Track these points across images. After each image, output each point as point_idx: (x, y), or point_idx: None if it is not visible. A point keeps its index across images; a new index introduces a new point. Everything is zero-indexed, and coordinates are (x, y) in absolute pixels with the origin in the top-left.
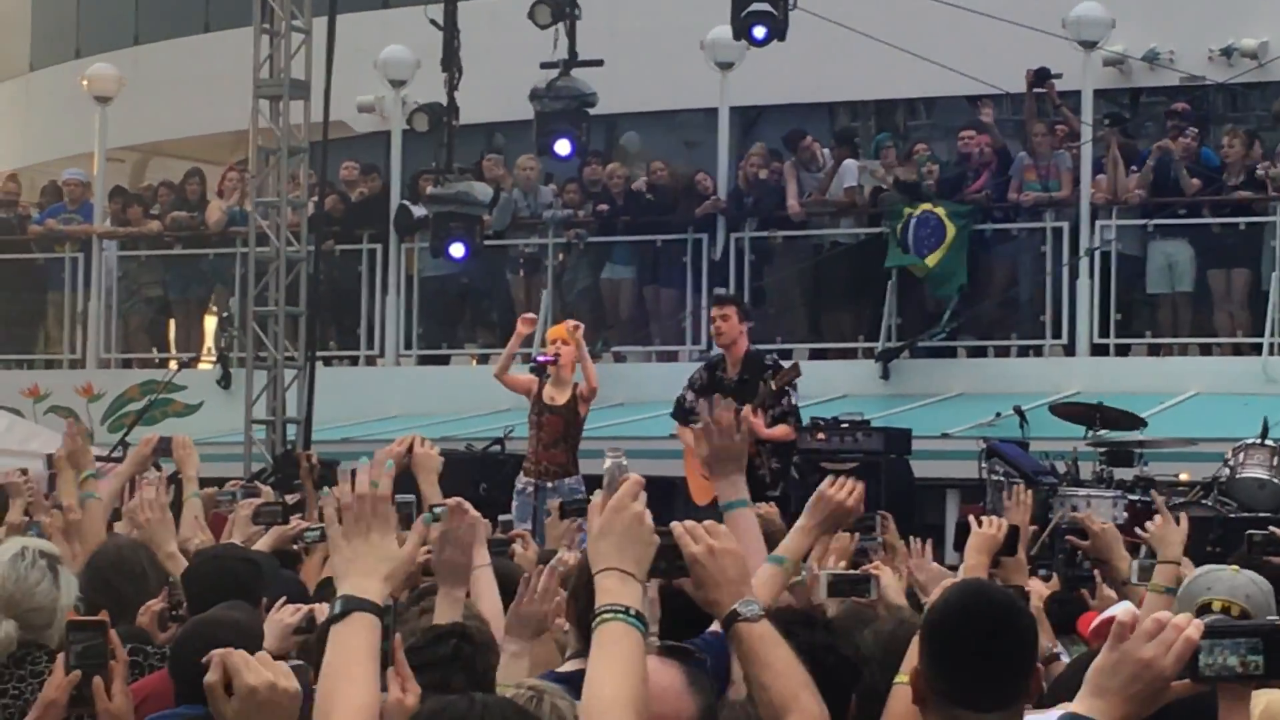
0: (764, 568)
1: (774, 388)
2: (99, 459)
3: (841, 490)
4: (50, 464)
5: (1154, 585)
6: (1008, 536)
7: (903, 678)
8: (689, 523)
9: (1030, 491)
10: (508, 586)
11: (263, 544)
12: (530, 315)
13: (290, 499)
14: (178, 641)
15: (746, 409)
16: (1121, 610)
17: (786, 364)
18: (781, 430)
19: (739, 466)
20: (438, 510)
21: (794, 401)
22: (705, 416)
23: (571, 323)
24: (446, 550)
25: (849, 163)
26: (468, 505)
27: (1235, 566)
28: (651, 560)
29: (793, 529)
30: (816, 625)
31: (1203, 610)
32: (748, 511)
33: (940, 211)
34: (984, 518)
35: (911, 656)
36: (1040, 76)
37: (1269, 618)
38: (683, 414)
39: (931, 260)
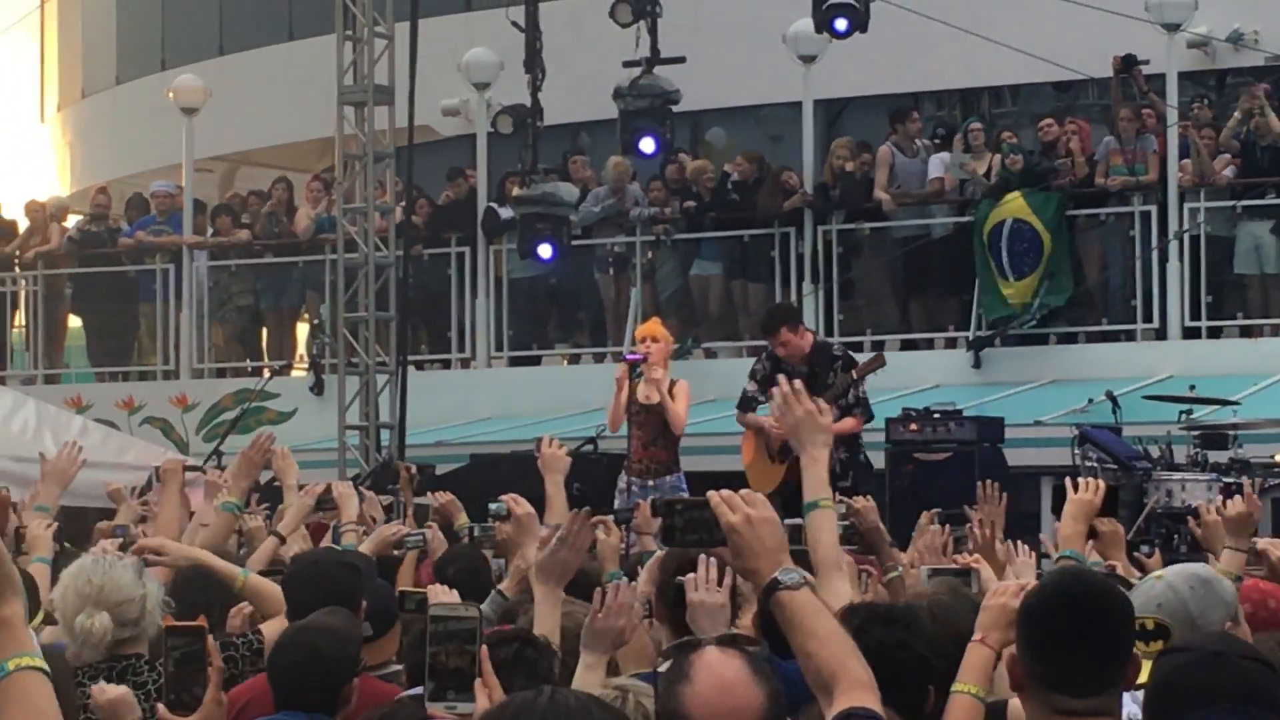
0: (813, 517)
1: (855, 376)
2: (192, 469)
3: (795, 408)
4: (157, 475)
5: (1222, 569)
6: (1106, 498)
7: (961, 686)
8: (725, 492)
9: (997, 485)
10: (587, 585)
11: (365, 548)
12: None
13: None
14: (276, 648)
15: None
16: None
17: (862, 357)
18: (849, 423)
19: (826, 441)
20: (494, 508)
21: (862, 392)
22: (782, 389)
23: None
24: (563, 551)
25: (937, 155)
26: (523, 501)
27: (1160, 572)
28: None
29: (803, 468)
30: (890, 622)
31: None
32: (829, 514)
33: (1033, 220)
34: (1080, 480)
35: (968, 666)
36: (1127, 63)
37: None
38: (746, 404)
39: (1025, 287)
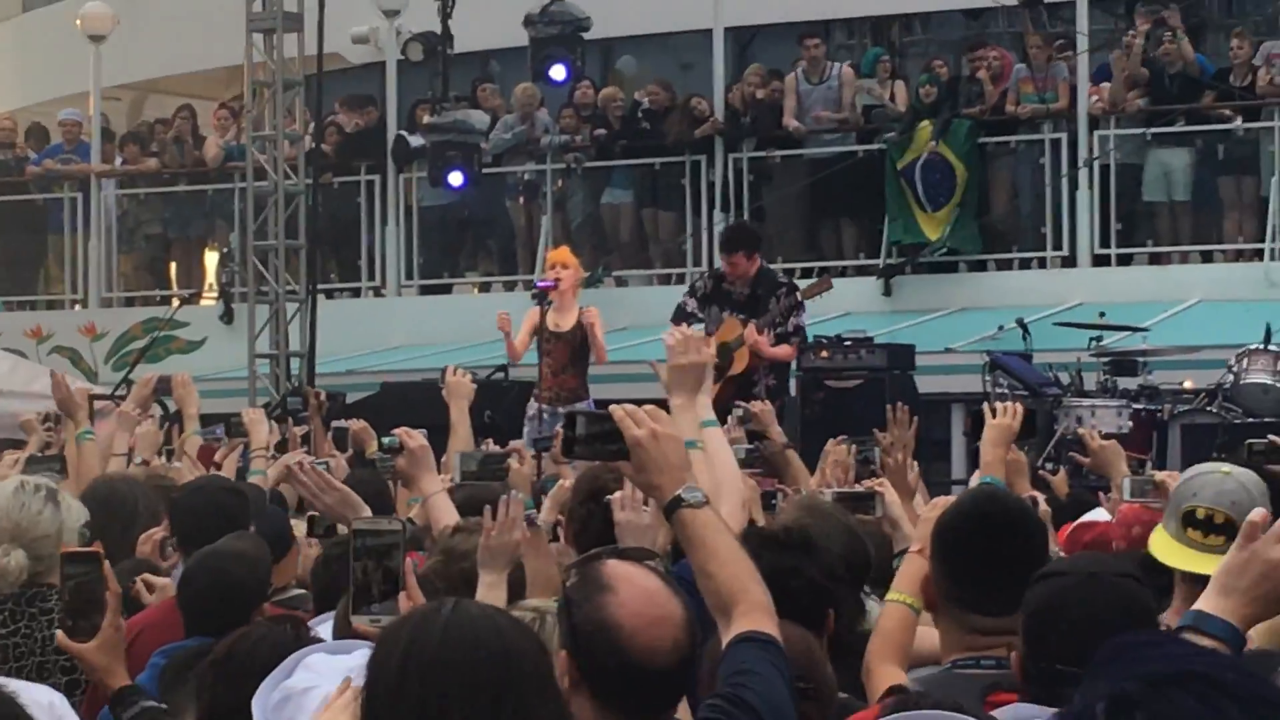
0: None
1: (800, 298)
2: (102, 398)
3: (675, 350)
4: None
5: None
6: (1024, 422)
7: (895, 595)
8: (629, 406)
9: (906, 408)
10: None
11: (270, 475)
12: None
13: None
14: (186, 574)
15: (752, 326)
16: (1255, 511)
17: (805, 283)
18: (784, 350)
19: (698, 386)
20: (387, 441)
21: (800, 321)
22: (674, 334)
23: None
24: (499, 537)
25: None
26: (416, 434)
27: (1226, 468)
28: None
29: (674, 412)
30: (785, 547)
31: (1188, 518)
32: (716, 430)
33: (946, 152)
34: (999, 405)
35: (903, 574)
36: None
37: None
38: (683, 318)
39: (942, 218)
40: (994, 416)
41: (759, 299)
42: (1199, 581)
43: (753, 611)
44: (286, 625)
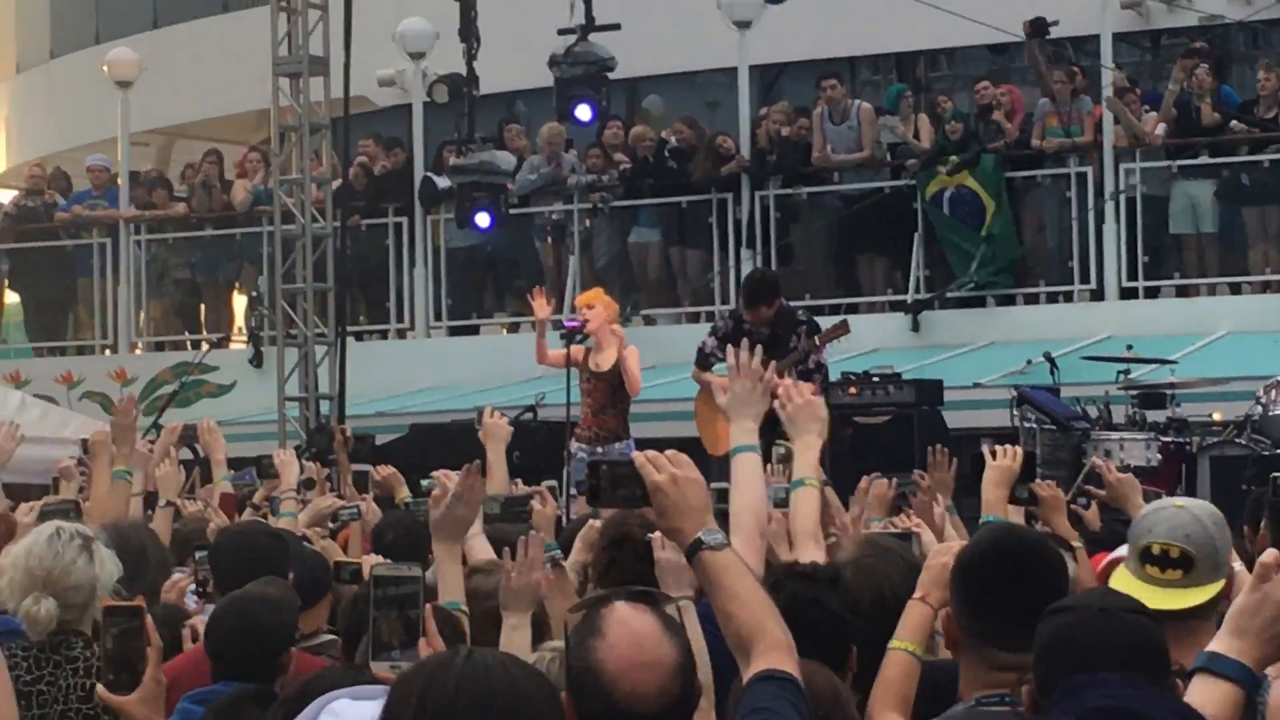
0: (799, 493)
1: (819, 343)
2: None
3: (796, 397)
4: (84, 448)
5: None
6: (1024, 464)
7: (898, 643)
8: (650, 452)
9: (946, 450)
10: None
11: (301, 520)
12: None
13: (326, 472)
14: (214, 619)
15: (773, 366)
16: (1268, 553)
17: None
18: (807, 389)
19: (756, 415)
20: (425, 484)
21: (823, 359)
22: (734, 358)
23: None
24: (459, 507)
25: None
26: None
27: (1180, 502)
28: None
29: (796, 452)
30: (805, 579)
31: (1145, 554)
32: (754, 457)
33: (972, 184)
34: (998, 448)
35: (907, 623)
36: (1037, 28)
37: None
38: (703, 360)
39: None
40: (994, 458)
41: (779, 339)
42: (1174, 617)
43: (772, 651)
44: (352, 669)
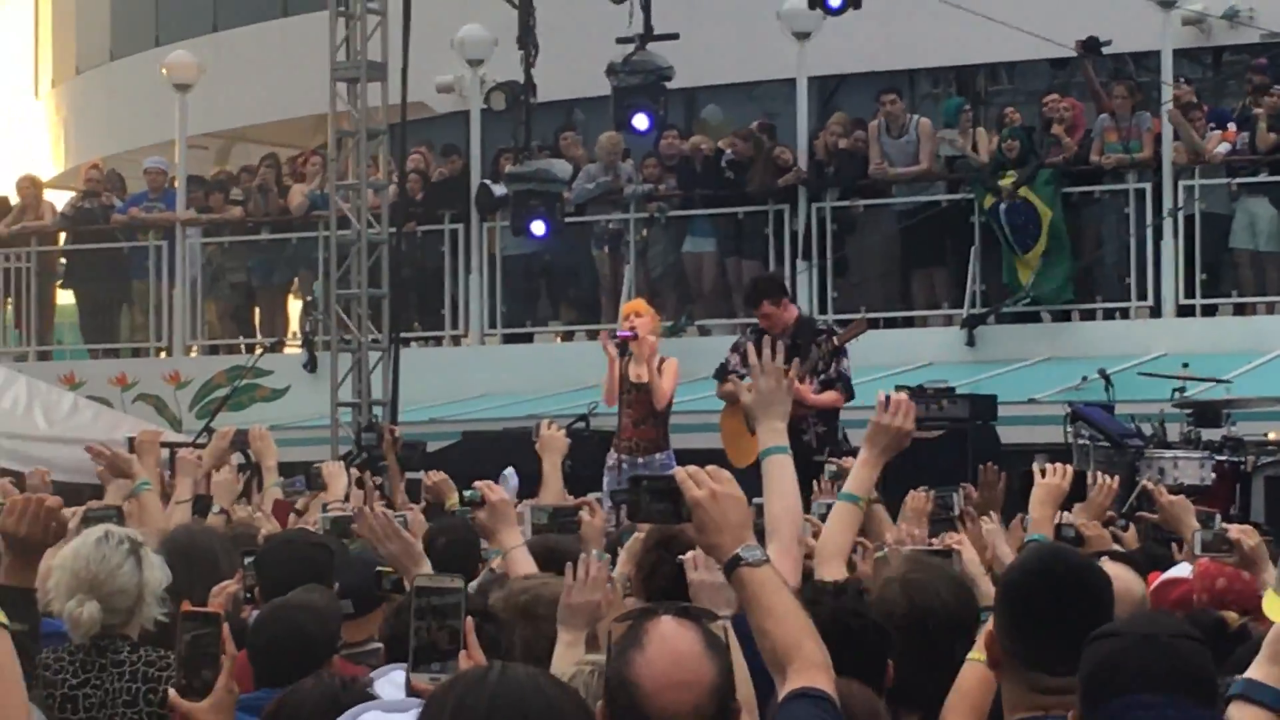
0: (839, 506)
1: (838, 343)
2: (181, 444)
3: (895, 414)
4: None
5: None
6: (1074, 484)
7: (976, 655)
8: (691, 468)
9: (997, 468)
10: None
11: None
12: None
13: (377, 481)
14: (257, 625)
15: (796, 365)
16: None
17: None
18: (829, 397)
19: (783, 414)
20: (468, 494)
21: (844, 368)
22: (754, 359)
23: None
24: (574, 594)
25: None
26: (497, 487)
27: None
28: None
29: (856, 464)
30: (842, 594)
31: None
32: (786, 459)
33: (1031, 197)
34: (1048, 466)
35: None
36: (1089, 46)
37: None
38: (722, 374)
39: (1030, 261)
40: (1043, 476)
41: (799, 348)
42: None
43: (807, 669)
44: (336, 681)
